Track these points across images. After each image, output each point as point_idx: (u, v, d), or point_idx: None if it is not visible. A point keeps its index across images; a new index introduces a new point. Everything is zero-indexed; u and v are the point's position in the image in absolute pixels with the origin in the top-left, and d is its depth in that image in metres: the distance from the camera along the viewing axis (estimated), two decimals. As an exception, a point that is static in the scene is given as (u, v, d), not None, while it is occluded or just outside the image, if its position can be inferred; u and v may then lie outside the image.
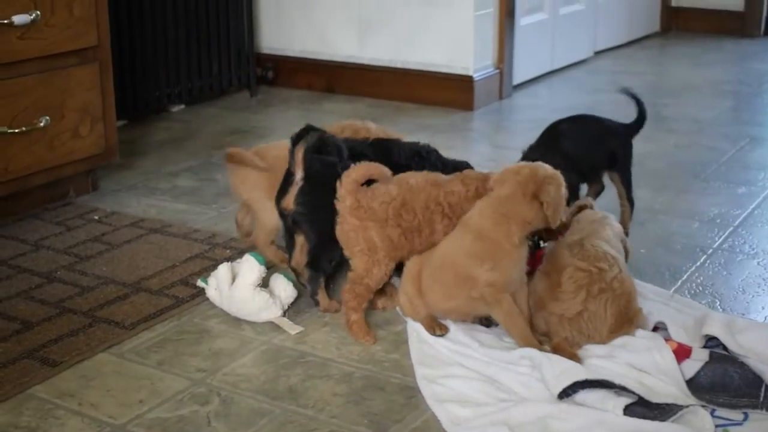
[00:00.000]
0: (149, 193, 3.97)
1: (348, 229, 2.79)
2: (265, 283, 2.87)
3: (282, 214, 2.90)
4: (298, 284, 2.94)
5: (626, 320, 2.59)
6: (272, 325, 2.82)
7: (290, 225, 2.89)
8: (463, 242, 2.63)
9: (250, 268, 2.82)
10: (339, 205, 2.78)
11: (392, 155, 3.01)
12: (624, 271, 2.63)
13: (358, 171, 2.77)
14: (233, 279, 2.84)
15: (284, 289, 2.88)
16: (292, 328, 2.79)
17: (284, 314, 2.86)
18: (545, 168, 2.60)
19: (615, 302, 2.56)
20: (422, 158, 3.05)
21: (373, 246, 2.75)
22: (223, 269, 2.85)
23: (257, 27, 5.83)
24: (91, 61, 3.73)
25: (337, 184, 2.77)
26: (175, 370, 2.59)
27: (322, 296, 2.91)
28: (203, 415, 2.37)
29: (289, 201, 2.86)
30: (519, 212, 2.55)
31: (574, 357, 2.49)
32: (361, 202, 2.76)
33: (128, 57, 4.88)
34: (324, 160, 2.84)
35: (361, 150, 2.97)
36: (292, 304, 2.90)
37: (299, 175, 2.83)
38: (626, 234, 3.18)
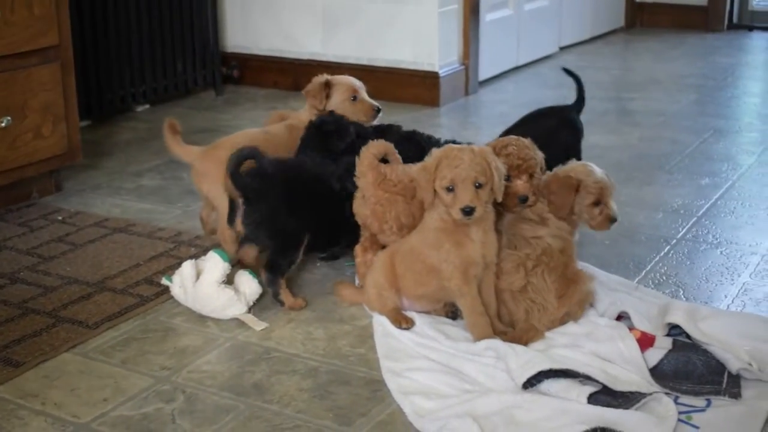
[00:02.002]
0: (114, 193, 3.95)
1: (374, 202, 2.85)
2: (230, 281, 2.87)
3: (239, 239, 2.98)
4: (262, 281, 2.94)
5: (570, 282, 2.66)
6: (237, 322, 2.81)
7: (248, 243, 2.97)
8: (426, 235, 2.66)
9: (214, 264, 2.82)
10: (360, 182, 2.87)
11: (386, 137, 3.13)
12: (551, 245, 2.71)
13: (377, 146, 2.88)
14: (197, 276, 2.83)
15: (249, 285, 2.87)
16: (257, 324, 2.79)
17: (249, 310, 2.85)
18: (441, 151, 2.60)
19: (551, 272, 2.64)
20: (410, 140, 3.20)
21: (400, 223, 2.82)
22: (188, 267, 2.84)
23: (222, 25, 5.81)
24: (52, 61, 3.71)
25: (356, 160, 2.86)
26: (139, 368, 2.57)
27: (285, 295, 2.90)
28: (168, 413, 2.36)
29: (239, 225, 2.91)
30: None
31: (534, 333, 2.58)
32: (389, 175, 2.84)
33: (92, 57, 4.85)
34: (251, 173, 2.88)
35: (365, 133, 3.22)
36: (257, 300, 2.90)
37: (239, 199, 2.89)
38: None
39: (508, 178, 2.68)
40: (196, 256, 3.02)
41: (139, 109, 5.28)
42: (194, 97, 5.57)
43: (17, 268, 3.18)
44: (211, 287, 2.80)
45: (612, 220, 2.72)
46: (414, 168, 2.72)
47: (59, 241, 3.40)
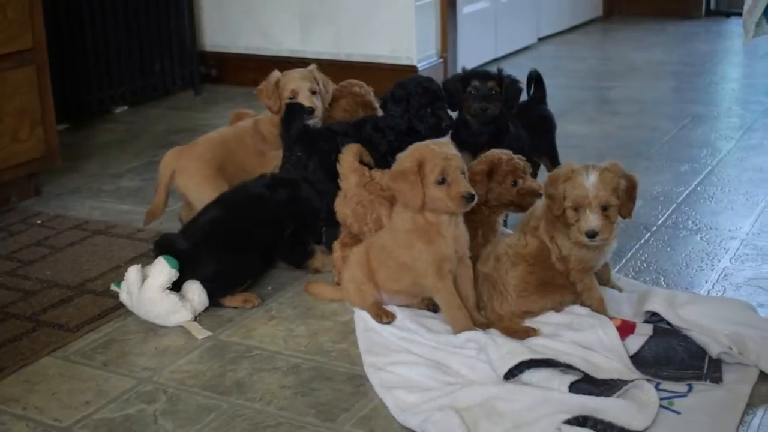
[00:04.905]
0: (93, 195, 3.93)
1: (356, 202, 2.87)
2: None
3: None
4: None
5: (549, 288, 2.64)
6: (219, 321, 2.81)
7: None
8: (397, 236, 2.66)
9: (160, 270, 2.77)
10: (343, 184, 2.90)
11: (363, 130, 3.23)
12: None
13: (353, 148, 2.92)
14: (143, 281, 2.79)
15: (198, 294, 2.82)
16: (200, 333, 2.74)
17: (195, 318, 2.81)
18: (417, 150, 2.61)
19: (514, 266, 2.62)
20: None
21: (381, 226, 2.83)
22: (133, 272, 2.80)
23: (199, 24, 5.79)
24: (27, 64, 3.69)
25: (338, 165, 2.90)
26: (120, 370, 2.57)
27: (231, 302, 2.90)
28: (150, 414, 2.35)
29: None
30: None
31: (523, 332, 2.55)
32: (375, 177, 2.87)
33: (68, 59, 4.82)
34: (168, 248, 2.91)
35: (344, 128, 3.25)
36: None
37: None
38: None
39: (515, 183, 2.79)
40: (176, 257, 3.01)
41: (118, 110, 5.26)
42: (173, 97, 5.55)
43: (-3, 273, 3.17)
44: (154, 292, 2.75)
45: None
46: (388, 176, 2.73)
47: (39, 245, 3.38)
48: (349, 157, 2.90)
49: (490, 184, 2.79)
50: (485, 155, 2.86)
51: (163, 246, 2.91)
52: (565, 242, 2.59)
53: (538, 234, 2.64)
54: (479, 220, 2.81)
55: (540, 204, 2.72)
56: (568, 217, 2.56)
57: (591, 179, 2.54)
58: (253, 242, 2.95)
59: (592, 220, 2.52)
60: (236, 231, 2.94)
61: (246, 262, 2.93)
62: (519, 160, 2.83)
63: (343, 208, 2.92)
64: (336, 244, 2.98)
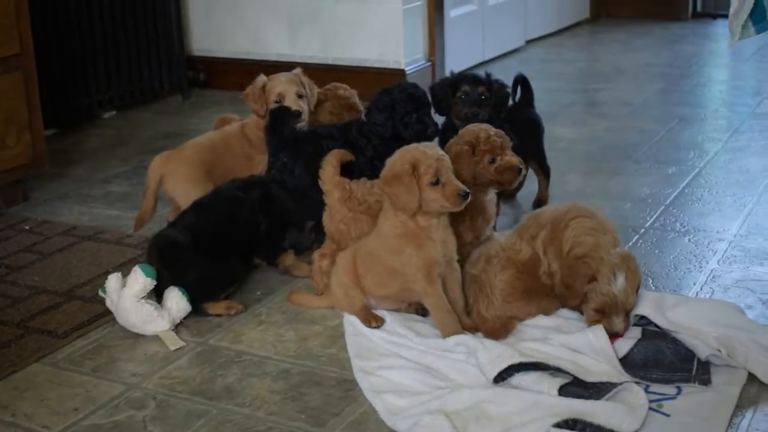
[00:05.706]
0: (81, 201, 3.92)
1: (339, 220, 2.86)
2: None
3: None
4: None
5: (534, 295, 2.65)
6: (208, 326, 2.81)
7: None
8: (385, 242, 2.65)
9: (134, 279, 2.75)
10: (327, 199, 2.89)
11: (349, 134, 3.23)
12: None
13: (332, 160, 2.89)
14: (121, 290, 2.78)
15: (177, 302, 2.79)
16: (174, 344, 2.71)
17: (174, 328, 2.78)
18: (408, 153, 2.60)
19: (504, 270, 2.63)
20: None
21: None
22: (113, 280, 2.79)
23: (187, 29, 5.78)
24: (14, 70, 3.68)
25: (319, 179, 2.89)
26: (110, 376, 2.56)
27: (214, 309, 2.88)
28: (139, 420, 2.35)
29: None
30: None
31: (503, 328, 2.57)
32: (355, 193, 2.85)
33: (56, 65, 4.81)
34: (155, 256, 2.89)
35: (329, 132, 3.25)
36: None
37: None
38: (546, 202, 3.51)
39: (493, 160, 2.76)
40: (164, 262, 3.00)
41: (106, 115, 5.25)
42: (161, 101, 5.54)
43: (-16, 279, 3.16)
44: (129, 302, 2.74)
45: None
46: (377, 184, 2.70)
47: (27, 251, 3.37)
48: (329, 170, 2.87)
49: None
50: (463, 133, 2.83)
51: (159, 245, 2.90)
52: (555, 262, 2.60)
53: (534, 243, 2.64)
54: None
55: (549, 210, 2.73)
56: (588, 313, 2.57)
57: (619, 284, 2.51)
58: (233, 246, 2.94)
59: (617, 324, 2.53)
60: (215, 235, 2.92)
61: (227, 268, 2.92)
62: (497, 136, 2.79)
63: (329, 223, 2.92)
64: (315, 254, 2.96)
